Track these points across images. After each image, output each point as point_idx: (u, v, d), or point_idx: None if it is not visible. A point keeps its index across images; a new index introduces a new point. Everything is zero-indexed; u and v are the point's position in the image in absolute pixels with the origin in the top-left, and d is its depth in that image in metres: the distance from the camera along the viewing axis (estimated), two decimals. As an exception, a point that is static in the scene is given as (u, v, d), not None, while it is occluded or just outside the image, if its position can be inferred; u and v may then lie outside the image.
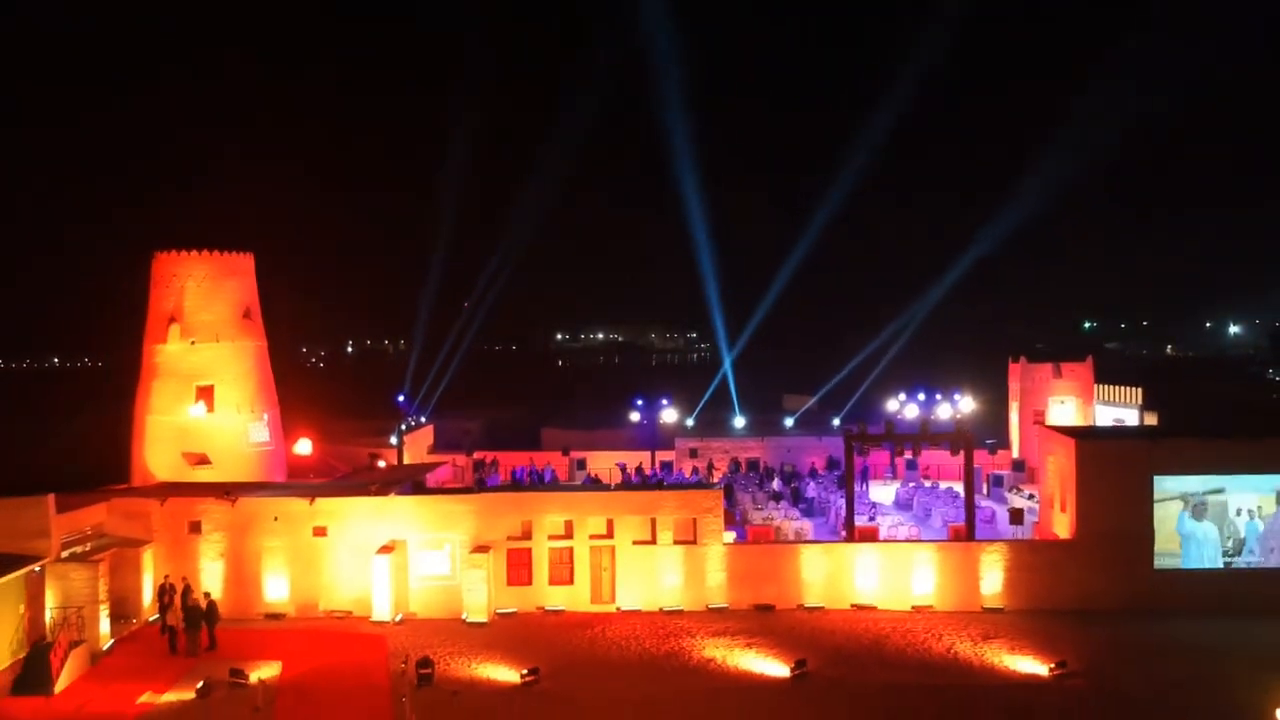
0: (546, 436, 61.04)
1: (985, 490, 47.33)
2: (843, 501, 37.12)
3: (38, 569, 28.52)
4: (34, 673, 26.80)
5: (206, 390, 42.08)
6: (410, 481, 37.62)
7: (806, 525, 38.89)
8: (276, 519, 33.58)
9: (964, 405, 59.27)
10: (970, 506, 35.73)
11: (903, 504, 45.97)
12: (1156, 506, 33.07)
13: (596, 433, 60.59)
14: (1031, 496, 42.07)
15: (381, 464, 46.69)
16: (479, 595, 32.61)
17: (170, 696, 26.50)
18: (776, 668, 28.00)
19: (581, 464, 52.81)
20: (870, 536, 35.30)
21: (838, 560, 33.78)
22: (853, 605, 33.37)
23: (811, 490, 46.81)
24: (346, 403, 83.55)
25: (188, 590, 31.17)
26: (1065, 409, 53.85)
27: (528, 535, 33.82)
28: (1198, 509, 32.91)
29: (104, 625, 29.86)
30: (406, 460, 48.12)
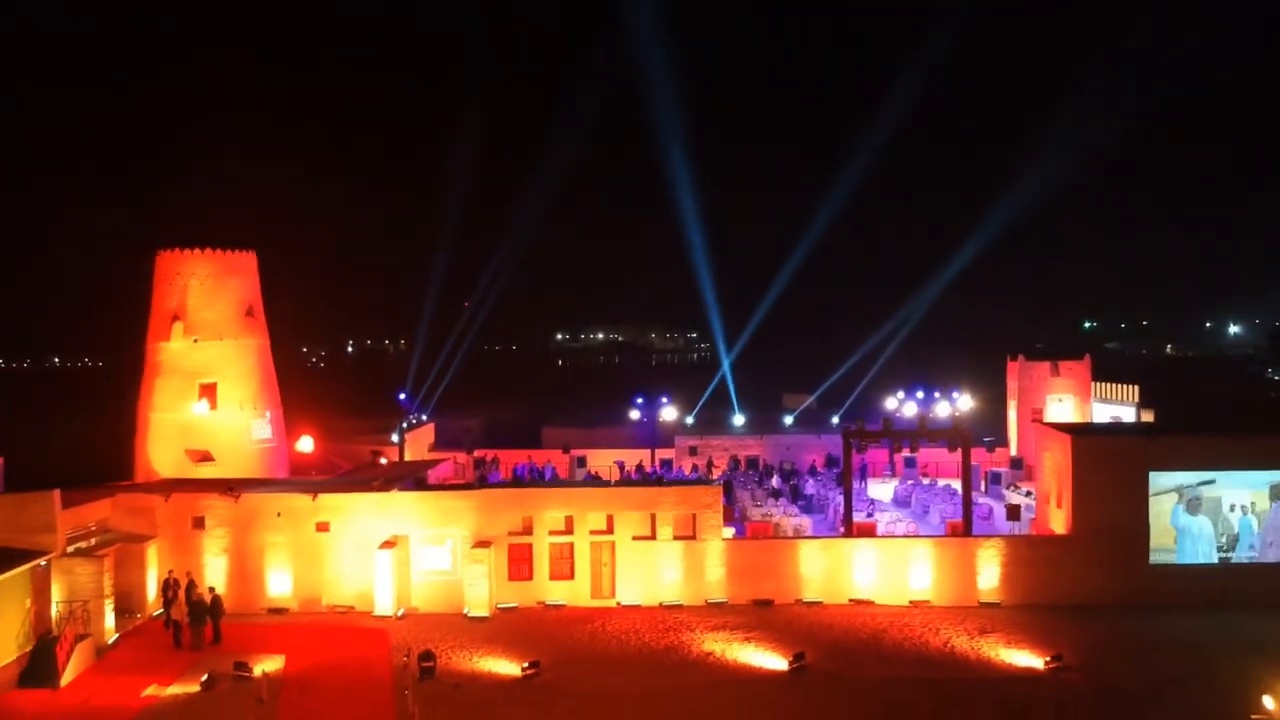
0: (547, 435, 61.36)
1: (983, 488, 47.62)
2: (841, 498, 37.39)
3: (44, 563, 28.82)
4: (40, 666, 27.13)
5: (209, 388, 42.35)
6: (412, 478, 37.91)
7: (805, 521, 39.19)
8: (279, 514, 33.88)
9: (962, 403, 59.60)
10: (967, 502, 36.03)
11: (901, 501, 46.25)
12: (1152, 501, 33.36)
13: (597, 431, 60.91)
14: (1029, 494, 42.38)
15: (384, 461, 46.97)
16: (480, 590, 32.90)
17: (175, 689, 26.81)
18: (775, 661, 28.29)
19: (582, 461, 53.10)
20: (868, 532, 35.59)
21: (836, 556, 34.07)
22: (851, 600, 33.66)
23: (810, 487, 47.10)
24: (347, 401, 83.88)
25: (192, 585, 31.53)
26: (1063, 407, 54.12)
27: (529, 531, 34.11)
28: (1192, 504, 33.21)
29: (109, 619, 30.18)
30: (408, 458, 48.40)
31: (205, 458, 41.55)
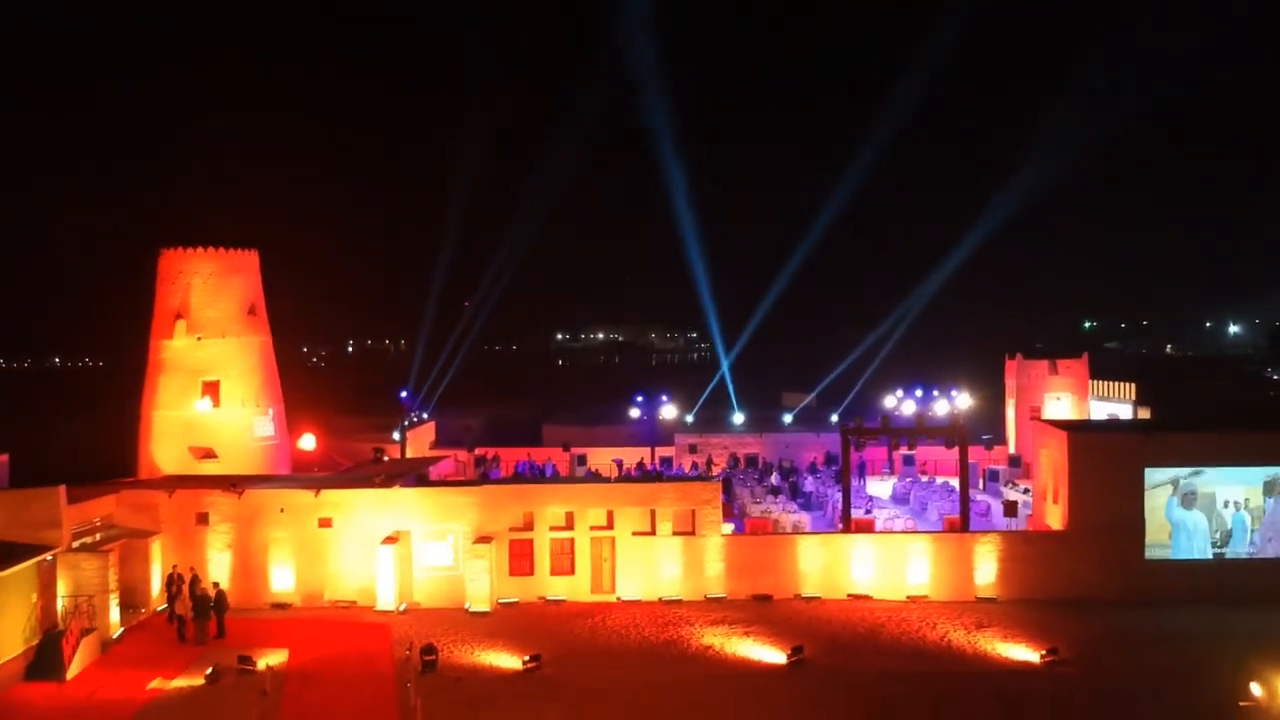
0: (547, 433, 61.67)
1: (981, 485, 47.95)
2: (840, 495, 37.67)
3: (49, 558, 29.10)
4: (46, 659, 27.42)
5: (212, 385, 42.67)
6: (414, 474, 38.19)
7: (804, 518, 39.48)
8: (282, 510, 34.17)
9: (961, 402, 59.85)
10: (965, 498, 36.31)
11: (899, 498, 46.53)
12: (1147, 495, 33.63)
13: (597, 429, 61.23)
14: (1026, 491, 42.67)
15: (385, 459, 47.26)
16: (481, 585, 33.18)
17: (180, 682, 27.09)
18: (773, 655, 28.57)
19: (582, 460, 53.44)
20: (866, 528, 35.87)
21: (834, 551, 34.35)
22: (849, 595, 33.94)
23: (809, 485, 47.38)
24: (349, 400, 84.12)
25: (195, 580, 31.79)
26: (1061, 405, 54.43)
27: (529, 526, 34.39)
28: (1187, 498, 33.49)
29: (114, 614, 30.49)
30: (409, 456, 48.67)
31: (208, 455, 41.85)
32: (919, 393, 61.10)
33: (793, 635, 29.90)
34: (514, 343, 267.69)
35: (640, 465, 52.00)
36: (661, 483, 35.90)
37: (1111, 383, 53.57)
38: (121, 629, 30.87)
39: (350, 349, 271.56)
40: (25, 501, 29.28)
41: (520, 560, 34.33)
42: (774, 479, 48.69)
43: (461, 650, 29.23)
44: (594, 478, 46.62)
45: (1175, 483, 33.47)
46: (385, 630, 31.22)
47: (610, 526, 34.49)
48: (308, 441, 46.62)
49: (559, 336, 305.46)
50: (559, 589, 34.26)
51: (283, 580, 34.02)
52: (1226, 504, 33.55)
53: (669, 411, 59.76)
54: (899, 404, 60.69)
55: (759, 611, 32.65)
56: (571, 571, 34.35)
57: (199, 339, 42.74)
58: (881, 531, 36.18)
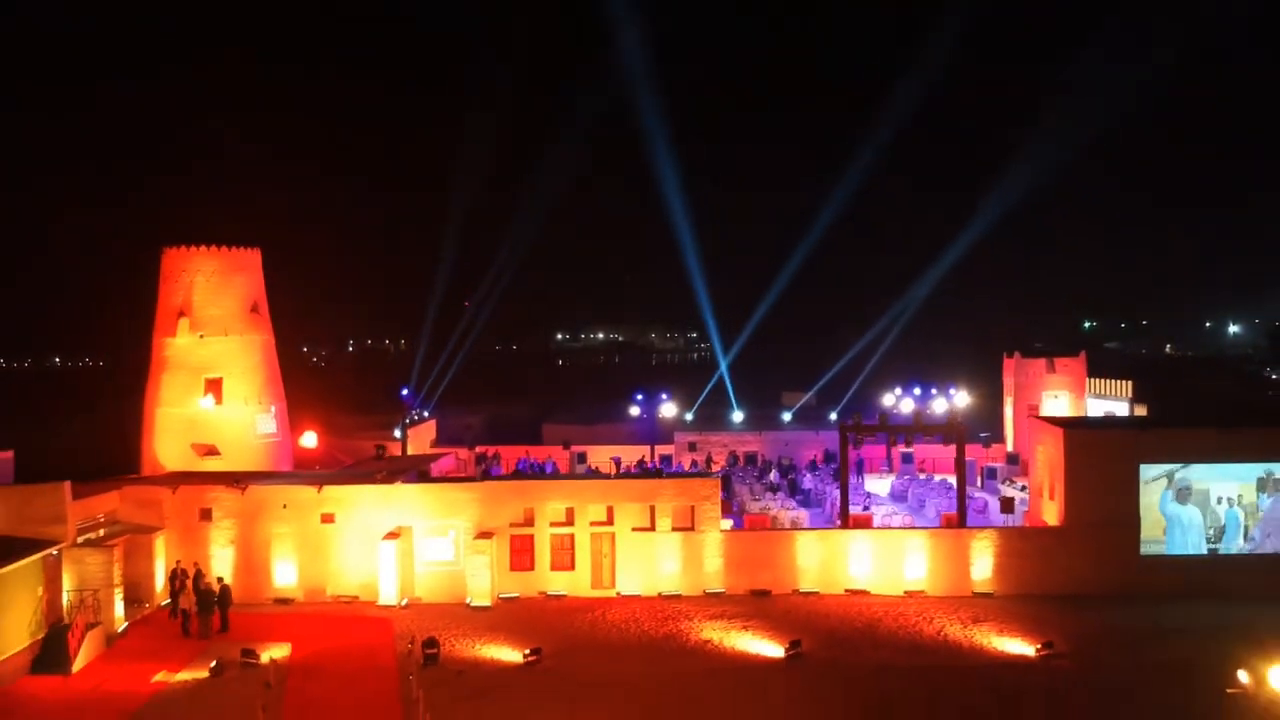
0: (547, 431, 61.94)
1: (979, 483, 48.25)
2: (839, 493, 37.95)
3: (55, 553, 29.37)
4: (52, 653, 27.71)
5: (215, 383, 42.97)
6: (415, 471, 38.47)
7: (802, 514, 39.75)
8: (285, 506, 34.45)
9: (959, 400, 60.18)
10: (962, 495, 36.60)
11: (898, 496, 46.82)
12: (1142, 490, 33.90)
13: (597, 427, 61.53)
14: (1024, 488, 42.94)
15: (387, 456, 47.52)
16: (482, 580, 33.46)
17: (184, 675, 27.38)
18: (771, 649, 28.86)
19: (582, 458, 53.74)
20: (864, 524, 36.14)
21: (832, 547, 34.63)
22: (846, 590, 34.22)
23: (808, 482, 47.66)
24: (349, 399, 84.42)
25: (199, 575, 32.06)
26: (1059, 403, 54.70)
27: (530, 522, 34.67)
28: (1181, 493, 33.77)
29: (119, 608, 30.73)
30: (410, 453, 48.94)
31: (211, 451, 42.13)
32: (917, 391, 61.44)
33: (791, 629, 30.19)
34: (514, 343, 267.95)
35: (641, 463, 52.28)
36: (661, 479, 36.16)
37: (1108, 380, 53.89)
38: (126, 623, 31.13)
39: (350, 349, 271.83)
40: (30, 497, 29.56)
41: (521, 556, 34.61)
42: (773, 476, 48.97)
43: (463, 644, 29.52)
44: (594, 475, 46.91)
45: (1170, 476, 33.76)
46: (387, 625, 31.50)
47: (610, 522, 34.76)
48: (309, 439, 46.96)
49: (559, 336, 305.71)
50: (559, 584, 34.55)
51: (285, 575, 34.30)
52: (1220, 500, 33.83)
53: (669, 410, 60.07)
54: (897, 402, 61.03)
55: (757, 606, 32.92)
56: (572, 567, 34.63)
57: (202, 337, 43.03)
58: (879, 528, 36.44)
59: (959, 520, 35.95)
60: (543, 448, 56.66)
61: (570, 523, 34.76)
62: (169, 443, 42.65)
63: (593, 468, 52.42)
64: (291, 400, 47.28)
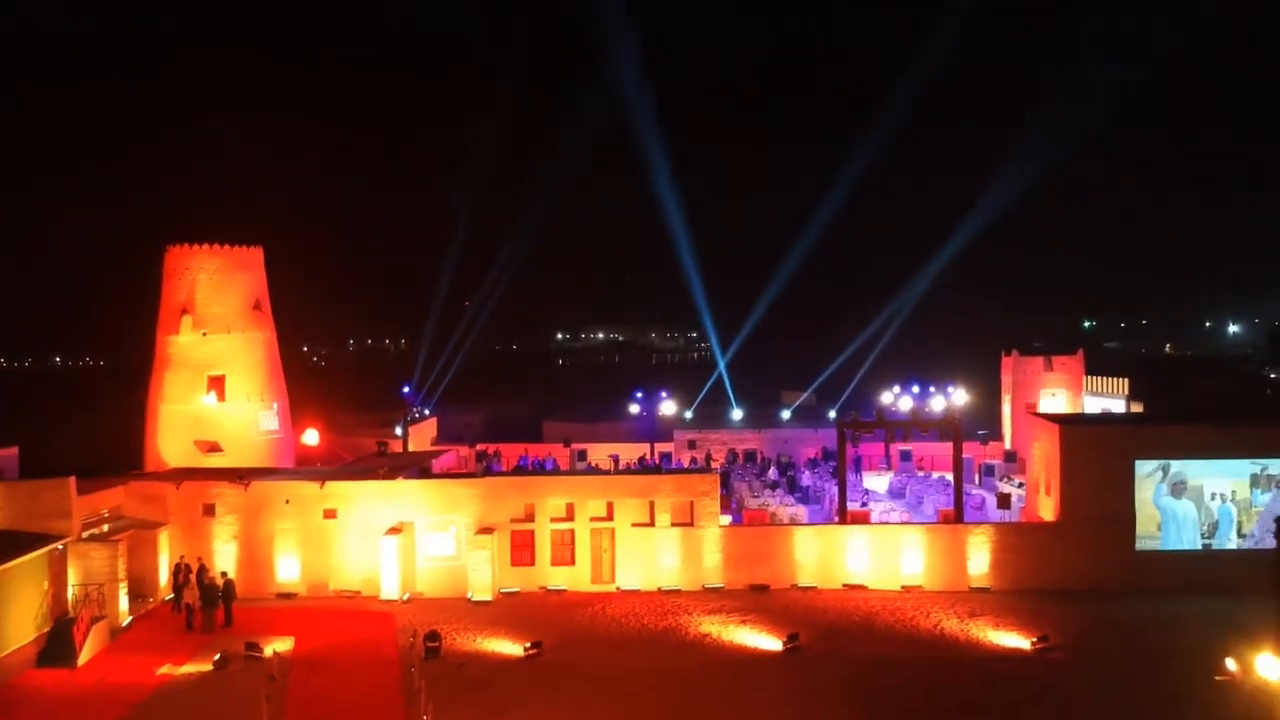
0: (547, 429, 62.21)
1: (977, 480, 48.49)
2: (837, 489, 38.23)
3: (60, 547, 29.70)
4: (58, 646, 28.02)
5: (218, 380, 43.25)
6: (417, 467, 38.77)
7: (801, 511, 40.00)
8: (288, 502, 34.75)
9: (957, 398, 60.44)
10: (959, 491, 36.89)
11: (896, 493, 47.08)
12: (1137, 484, 34.18)
13: (597, 425, 61.81)
14: (1021, 485, 43.20)
15: (389, 453, 47.78)
16: (483, 575, 33.75)
17: (188, 668, 27.69)
18: (770, 642, 29.15)
19: (582, 455, 53.99)
20: (862, 520, 36.43)
21: (830, 542, 34.93)
22: (844, 585, 34.51)
23: (807, 479, 47.92)
24: (351, 397, 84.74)
25: (203, 570, 32.37)
26: (1056, 401, 54.95)
27: (530, 518, 34.97)
28: (1176, 488, 34.07)
29: (123, 602, 31.08)
30: (411, 451, 49.21)
31: (214, 448, 42.41)
32: (916, 389, 61.71)
33: (789, 623, 30.47)
34: (514, 342, 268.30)
35: (641, 460, 52.54)
36: (660, 475, 36.46)
37: (1105, 378, 54.16)
38: (130, 617, 31.46)
39: (350, 348, 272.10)
40: (36, 492, 29.91)
41: (521, 551, 34.90)
42: (772, 473, 49.24)
43: (464, 637, 29.81)
44: (594, 471, 47.20)
45: (1165, 469, 34.05)
46: (389, 619, 31.80)
47: (610, 518, 35.06)
48: (311, 436, 47.23)
49: (559, 336, 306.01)
50: (560, 579, 34.83)
51: (288, 570, 34.59)
52: (1214, 496, 34.13)
53: (668, 408, 60.29)
54: (896, 400, 61.31)
55: (756, 601, 33.22)
56: (572, 562, 34.92)
57: (204, 334, 43.32)
58: (877, 523, 36.72)
59: (956, 516, 36.24)
60: (543, 446, 56.92)
61: (570, 518, 35.05)
62: (172, 439, 42.92)
63: (593, 465, 52.68)
64: (293, 398, 47.54)
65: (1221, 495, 34.08)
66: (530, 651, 28.28)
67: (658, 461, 52.45)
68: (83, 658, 28.04)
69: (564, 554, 34.96)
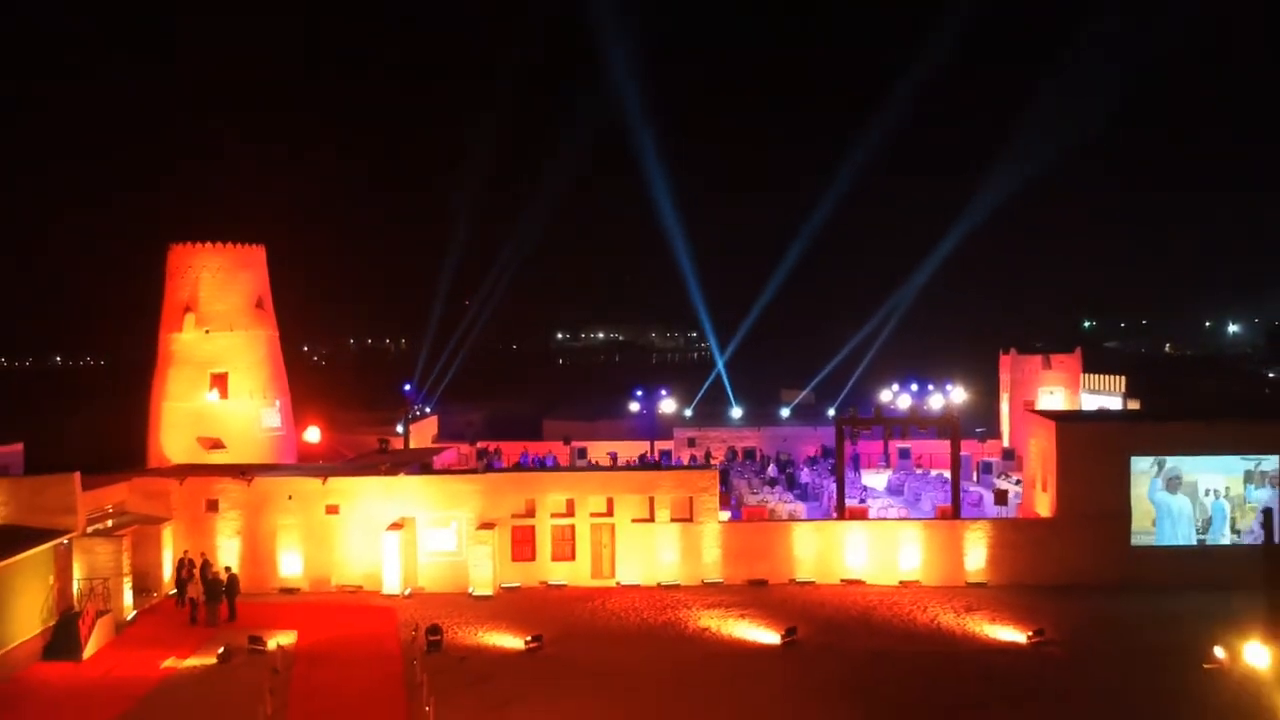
0: (548, 427, 62.46)
1: (975, 477, 48.72)
2: (836, 486, 38.48)
3: (65, 542, 29.97)
4: (63, 639, 28.32)
5: (220, 377, 43.52)
6: (418, 463, 39.06)
7: (799, 507, 40.29)
8: (291, 498, 35.04)
9: (956, 396, 60.73)
10: (956, 487, 37.16)
11: (894, 490, 47.34)
12: (1133, 480, 34.44)
13: (597, 423, 62.05)
14: (1018, 482, 43.46)
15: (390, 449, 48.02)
16: (484, 570, 34.04)
17: (192, 661, 27.99)
18: (768, 636, 29.44)
19: (582, 453, 54.23)
20: (860, 515, 36.71)
21: (828, 538, 35.21)
22: (842, 580, 34.80)
23: (806, 476, 48.17)
24: (351, 396, 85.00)
25: (206, 564, 32.65)
26: (1054, 399, 55.30)
27: (531, 513, 35.26)
28: (1171, 483, 34.35)
29: (127, 597, 31.35)
30: (412, 448, 49.48)
31: (216, 445, 42.68)
32: (915, 387, 61.98)
33: (787, 617, 30.76)
34: (514, 342, 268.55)
35: (642, 458, 52.79)
36: (660, 471, 36.74)
37: (1102, 376, 54.50)
38: (135, 611, 31.74)
39: (351, 346, 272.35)
40: (41, 487, 30.17)
41: (522, 546, 35.19)
42: (771, 471, 49.51)
43: (465, 631, 30.10)
44: (595, 468, 47.46)
45: (1160, 463, 34.32)
46: (391, 613, 32.08)
47: (610, 513, 35.35)
48: (313, 434, 47.48)
49: (559, 336, 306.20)
50: (560, 574, 35.13)
51: (291, 566, 34.89)
52: (1208, 492, 34.40)
53: (668, 406, 60.54)
54: (895, 398, 61.57)
55: (754, 595, 33.51)
56: (572, 557, 35.21)
57: (207, 332, 43.59)
58: (875, 519, 36.99)
59: (953, 512, 36.51)
60: (543, 443, 57.19)
61: (571, 514, 35.34)
62: (175, 436, 43.20)
63: (593, 463, 52.92)
64: (295, 396, 47.79)
65: (1215, 491, 34.36)
66: (531, 645, 28.56)
67: (657, 459, 52.73)
68: (88, 651, 28.34)
69: (564, 549, 35.25)
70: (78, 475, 30.62)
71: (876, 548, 34.98)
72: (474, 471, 39.00)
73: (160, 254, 45.06)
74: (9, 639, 27.08)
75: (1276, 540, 27.85)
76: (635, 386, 62.72)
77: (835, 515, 37.29)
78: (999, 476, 47.37)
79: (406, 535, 34.56)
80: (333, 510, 35.03)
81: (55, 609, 29.02)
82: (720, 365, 74.32)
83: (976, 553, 34.75)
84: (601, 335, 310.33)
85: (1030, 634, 29.02)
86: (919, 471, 50.03)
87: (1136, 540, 34.48)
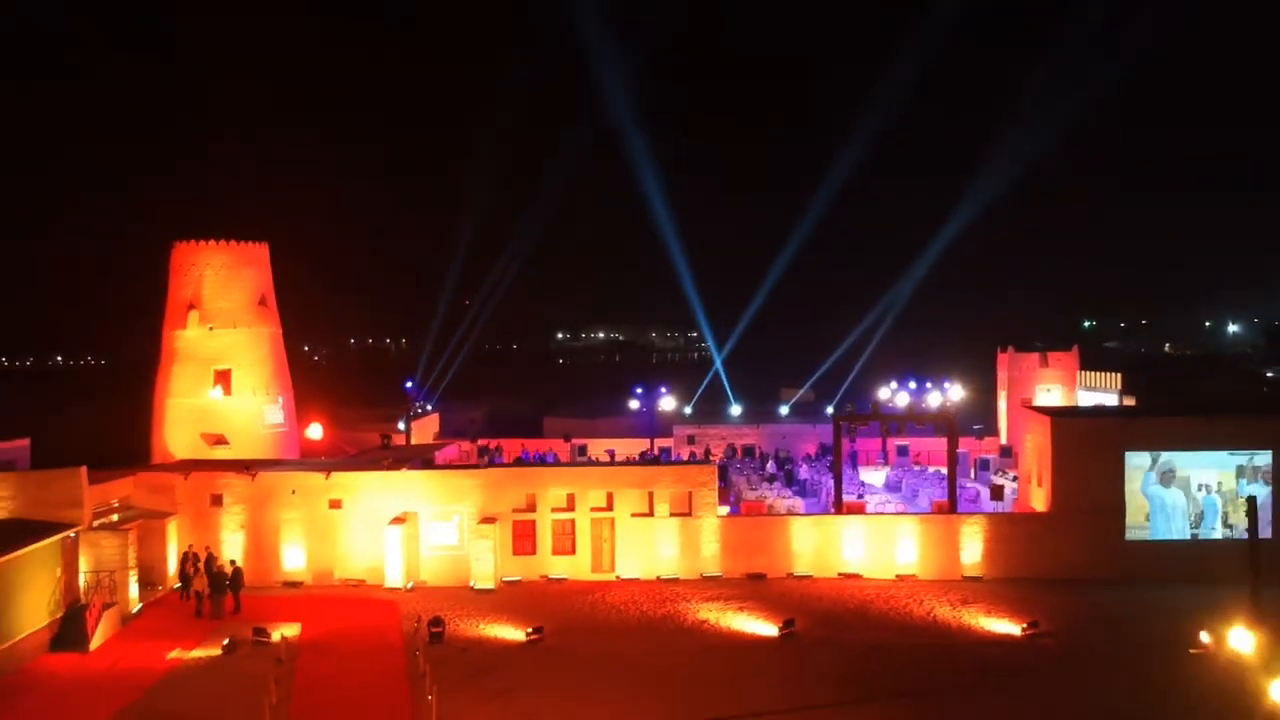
0: (548, 425, 62.85)
1: (972, 474, 49.12)
2: (834, 483, 38.85)
3: (72, 535, 30.34)
4: (71, 631, 28.72)
5: (224, 374, 43.92)
6: (421, 458, 39.42)
7: (798, 503, 40.67)
8: (294, 492, 35.41)
9: (954, 393, 61.09)
10: (953, 482, 37.53)
11: (892, 486, 47.71)
12: (1128, 475, 34.78)
13: (597, 421, 62.43)
14: (1015, 479, 43.83)
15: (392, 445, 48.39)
16: (486, 564, 34.40)
17: (198, 653, 28.34)
18: (766, 628, 29.79)
19: (582, 450, 54.59)
20: (857, 510, 37.07)
21: (826, 532, 35.57)
22: (840, 574, 35.16)
23: (804, 473, 48.55)
24: (353, 394, 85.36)
25: (211, 558, 33.01)
26: (1051, 396, 55.63)
27: (532, 508, 35.62)
28: (1165, 476, 34.70)
29: (133, 589, 31.71)
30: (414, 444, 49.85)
31: (220, 441, 43.07)
32: (913, 385, 62.33)
33: (785, 610, 31.10)
34: (515, 342, 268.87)
35: (643, 455, 53.17)
36: (659, 466, 37.09)
37: (1099, 373, 54.85)
38: (140, 604, 32.09)
39: (351, 347, 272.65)
40: (48, 482, 30.56)
41: (523, 540, 35.56)
42: (770, 467, 49.89)
43: (467, 624, 30.46)
44: (594, 464, 47.80)
45: (1154, 457, 34.67)
46: (394, 606, 32.45)
47: (610, 508, 35.71)
48: (315, 430, 47.89)
49: (559, 336, 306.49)
50: (560, 568, 35.49)
51: (294, 559, 35.25)
52: (1200, 487, 34.75)
53: (668, 404, 60.95)
54: (893, 395, 61.94)
55: (753, 589, 33.86)
56: (572, 551, 35.57)
57: (211, 329, 43.98)
58: (872, 514, 37.33)
59: (950, 507, 36.87)
60: (544, 441, 57.57)
61: (571, 509, 35.70)
62: (179, 433, 43.59)
63: (593, 459, 53.27)
64: (297, 394, 48.20)
65: (1207, 486, 34.71)
66: (532, 637, 28.92)
67: (657, 455, 53.10)
68: (94, 643, 28.71)
69: (565, 543, 35.61)
70: (84, 470, 30.99)
71: (873, 542, 35.34)
72: (476, 467, 39.38)
73: (163, 252, 45.49)
74: (17, 631, 27.45)
75: (1260, 530, 28.16)
76: (635, 385, 63.13)
77: (833, 510, 37.63)
78: (996, 473, 47.75)
79: (409, 529, 34.92)
80: (336, 505, 35.40)
81: (62, 601, 29.40)
82: (719, 363, 74.74)
83: (972, 547, 35.11)
84: (601, 335, 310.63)
85: (1024, 626, 29.38)
86: (917, 468, 50.41)
87: (1131, 535, 34.83)
